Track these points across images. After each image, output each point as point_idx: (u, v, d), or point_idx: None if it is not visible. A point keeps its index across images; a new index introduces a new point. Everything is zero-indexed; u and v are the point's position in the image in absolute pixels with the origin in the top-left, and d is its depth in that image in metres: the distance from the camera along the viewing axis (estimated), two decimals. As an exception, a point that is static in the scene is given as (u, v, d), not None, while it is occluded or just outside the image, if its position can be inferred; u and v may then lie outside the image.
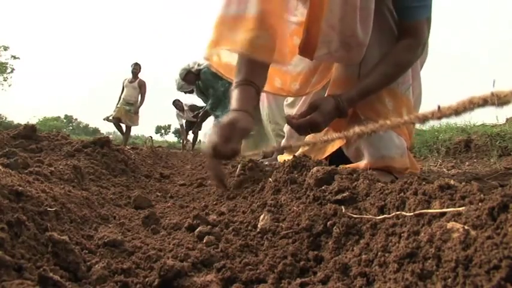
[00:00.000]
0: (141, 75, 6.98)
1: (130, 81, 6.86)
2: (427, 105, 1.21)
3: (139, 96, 6.91)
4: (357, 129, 0.76)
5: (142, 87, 6.91)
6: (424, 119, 0.52)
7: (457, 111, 0.44)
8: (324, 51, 1.09)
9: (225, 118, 0.97)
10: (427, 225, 0.41)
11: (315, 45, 1.07)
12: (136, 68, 6.88)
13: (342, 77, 1.20)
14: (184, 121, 7.92)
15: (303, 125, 1.04)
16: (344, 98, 1.07)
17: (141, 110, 7.00)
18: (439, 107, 0.49)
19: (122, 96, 6.83)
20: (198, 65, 4.55)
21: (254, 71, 1.07)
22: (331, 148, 1.29)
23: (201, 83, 4.49)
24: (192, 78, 4.51)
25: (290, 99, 1.59)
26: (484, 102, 0.40)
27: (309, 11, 1.04)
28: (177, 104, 7.87)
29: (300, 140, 1.32)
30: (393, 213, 0.49)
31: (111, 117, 6.82)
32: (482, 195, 0.39)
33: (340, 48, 1.08)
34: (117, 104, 6.85)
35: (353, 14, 1.01)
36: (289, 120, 1.08)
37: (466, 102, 0.43)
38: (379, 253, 0.44)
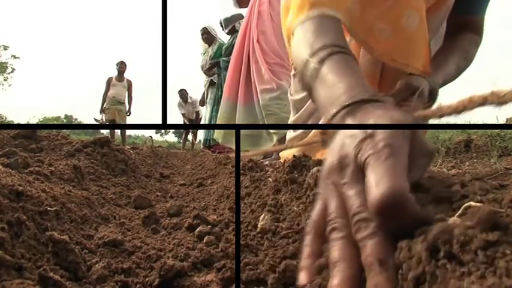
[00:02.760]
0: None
1: (119, 80, 6.75)
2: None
3: (127, 96, 6.85)
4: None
5: (130, 87, 6.84)
6: (424, 117, 0.52)
7: (457, 110, 0.44)
8: None
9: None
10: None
11: None
12: (122, 67, 6.72)
13: (366, 73, 1.06)
14: (184, 112, 7.82)
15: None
16: (435, 86, 0.87)
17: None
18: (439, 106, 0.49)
19: (111, 95, 6.60)
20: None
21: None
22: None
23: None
24: (209, 40, 4.71)
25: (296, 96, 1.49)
26: (484, 101, 0.40)
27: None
28: (182, 94, 7.78)
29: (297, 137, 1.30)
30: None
31: (104, 120, 6.70)
32: (482, 195, 0.39)
33: None
34: (106, 105, 6.62)
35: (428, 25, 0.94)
36: None
37: (466, 101, 0.43)
38: (379, 253, 0.44)
